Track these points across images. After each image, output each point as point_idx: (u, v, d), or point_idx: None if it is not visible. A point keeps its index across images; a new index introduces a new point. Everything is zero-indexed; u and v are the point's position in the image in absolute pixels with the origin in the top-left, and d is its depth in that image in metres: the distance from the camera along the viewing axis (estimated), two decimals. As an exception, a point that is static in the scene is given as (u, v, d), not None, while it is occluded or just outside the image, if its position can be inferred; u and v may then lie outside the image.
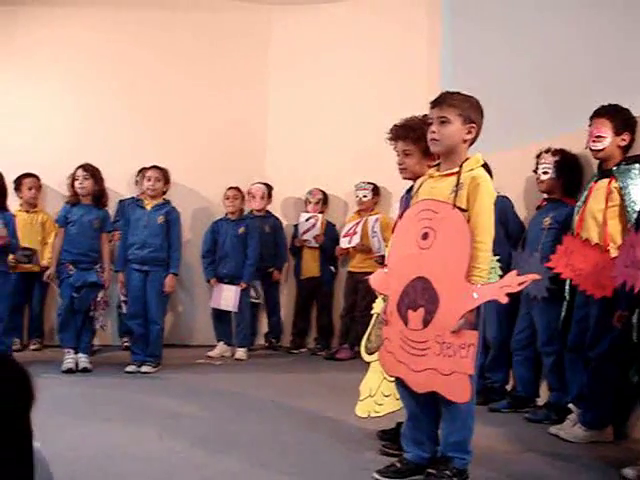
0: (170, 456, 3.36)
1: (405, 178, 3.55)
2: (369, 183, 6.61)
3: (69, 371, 5.27)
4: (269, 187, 6.83)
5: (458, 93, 3.09)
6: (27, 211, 6.38)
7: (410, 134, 3.42)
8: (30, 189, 6.44)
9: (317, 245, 6.73)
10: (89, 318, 5.48)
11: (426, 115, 3.40)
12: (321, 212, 6.82)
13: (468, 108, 3.05)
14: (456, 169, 2.99)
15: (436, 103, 3.08)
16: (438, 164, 3.15)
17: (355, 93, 6.94)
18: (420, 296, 2.90)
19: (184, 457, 3.35)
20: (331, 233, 6.81)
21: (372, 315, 6.23)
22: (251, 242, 6.37)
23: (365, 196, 6.60)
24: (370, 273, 6.13)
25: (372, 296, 6.23)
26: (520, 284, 2.75)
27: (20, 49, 6.81)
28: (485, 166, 4.58)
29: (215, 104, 7.03)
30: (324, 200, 6.88)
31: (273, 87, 7.13)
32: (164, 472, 3.15)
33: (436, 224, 2.92)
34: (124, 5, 6.96)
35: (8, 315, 5.37)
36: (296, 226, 6.84)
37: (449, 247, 2.86)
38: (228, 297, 6.26)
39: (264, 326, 6.95)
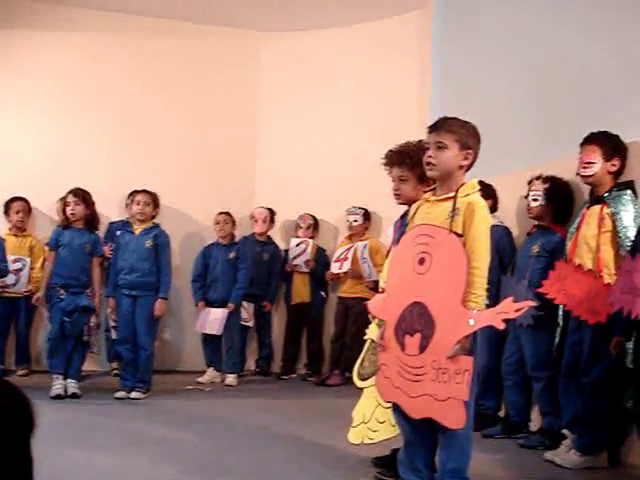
0: (163, 484, 3.32)
1: (400, 203, 3.56)
2: (360, 208, 6.63)
3: (58, 397, 5.20)
4: (272, 211, 6.82)
5: (456, 119, 3.10)
6: (16, 235, 6.33)
7: (406, 160, 3.43)
8: (18, 212, 6.39)
9: (308, 270, 6.73)
10: (80, 343, 5.43)
11: (421, 141, 3.43)
12: (311, 237, 6.83)
13: (465, 134, 3.06)
14: (452, 194, 3.00)
15: (433, 128, 3.08)
16: (433, 189, 3.16)
17: (345, 118, 6.98)
18: (417, 321, 2.89)
19: (177, 485, 3.31)
20: (322, 258, 6.81)
21: (364, 340, 6.24)
22: (241, 266, 6.36)
23: (356, 221, 6.61)
24: (361, 298, 6.32)
25: (363, 321, 6.24)
26: (517, 310, 2.75)
27: (6, 74, 6.80)
28: (489, 187, 4.64)
29: (204, 129, 7.05)
30: (314, 225, 6.89)
31: (263, 111, 7.17)
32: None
33: (432, 249, 2.92)
34: (111, 31, 6.98)
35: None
36: (286, 251, 6.83)
37: (445, 272, 2.86)
38: (214, 320, 6.23)
39: (254, 351, 6.91)
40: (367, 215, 6.68)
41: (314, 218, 6.89)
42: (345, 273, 6.50)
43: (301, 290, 6.79)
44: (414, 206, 3.20)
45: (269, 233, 6.92)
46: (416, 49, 6.79)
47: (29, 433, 1.25)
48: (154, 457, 3.73)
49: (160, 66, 7.05)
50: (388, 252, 3.66)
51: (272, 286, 6.82)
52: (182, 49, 7.10)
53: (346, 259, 6.49)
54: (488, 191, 4.84)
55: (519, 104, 5.23)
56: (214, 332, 6.24)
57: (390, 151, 3.56)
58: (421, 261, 2.94)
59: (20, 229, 6.42)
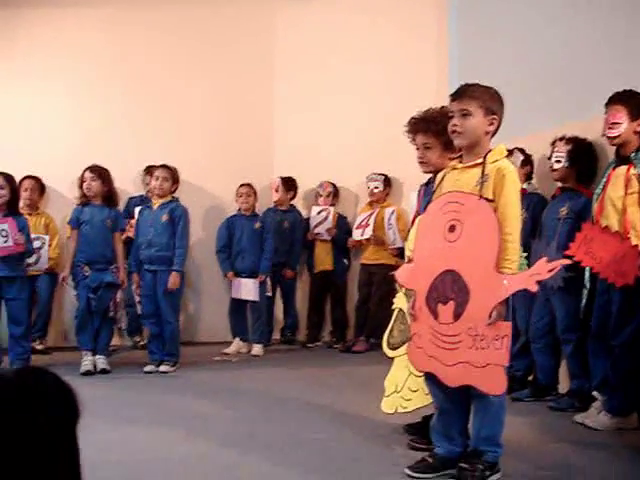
0: (200, 458, 3.35)
1: (426, 172, 3.53)
2: (380, 174, 6.58)
3: (88, 373, 5.26)
4: (288, 180, 6.78)
5: (478, 85, 3.06)
6: (30, 214, 6.28)
7: (431, 127, 3.39)
8: (26, 190, 6.35)
9: (329, 238, 6.71)
10: (107, 319, 5.47)
11: (444, 107, 3.38)
12: (332, 205, 6.79)
13: (489, 99, 3.02)
14: (480, 160, 2.97)
15: (456, 96, 3.04)
16: (460, 156, 3.13)
17: (363, 84, 6.89)
18: (450, 289, 2.88)
19: (214, 458, 3.33)
20: (343, 226, 6.78)
21: (389, 306, 6.24)
22: (267, 236, 6.37)
23: (376, 187, 6.57)
24: (384, 265, 6.31)
25: (386, 287, 6.30)
26: (550, 271, 2.73)
27: (21, 51, 6.78)
28: (526, 155, 4.59)
29: (221, 101, 6.99)
30: (335, 193, 6.86)
31: (279, 80, 7.09)
32: (195, 474, 3.14)
33: (463, 216, 2.90)
34: (128, 5, 6.91)
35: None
36: (308, 220, 6.81)
37: (477, 239, 2.85)
38: (248, 289, 6.25)
39: (279, 321, 6.93)
40: (388, 181, 6.64)
41: (334, 186, 6.85)
42: (367, 240, 6.48)
43: (323, 258, 6.78)
44: (440, 174, 3.17)
45: (292, 202, 6.87)
46: (434, 11, 6.67)
47: (75, 423, 1.25)
48: (187, 431, 3.76)
49: (176, 39, 6.98)
50: (413, 220, 3.64)
51: (294, 254, 6.81)
52: (197, 19, 7.01)
53: (367, 225, 6.47)
54: (526, 159, 4.81)
55: (540, 66, 5.14)
56: (251, 298, 6.26)
57: (413, 118, 3.51)
58: (451, 228, 2.93)
59: (31, 207, 6.40)
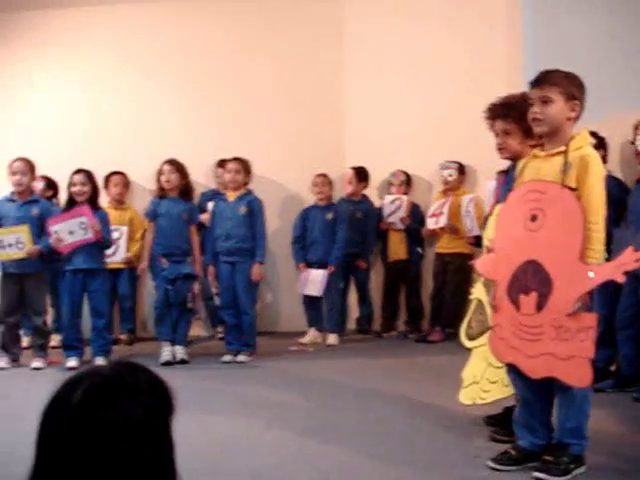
0: (281, 448, 3.38)
1: (505, 158, 3.45)
2: (454, 162, 6.49)
3: (167, 363, 5.35)
4: (360, 171, 6.76)
5: (558, 71, 2.98)
6: (115, 208, 6.49)
7: (511, 112, 3.31)
8: (116, 186, 6.56)
9: (403, 227, 6.65)
10: (185, 310, 5.57)
11: (525, 93, 3.31)
12: (405, 193, 6.73)
13: (570, 85, 2.94)
14: (563, 148, 2.90)
15: (536, 83, 2.97)
16: (541, 144, 3.06)
17: (435, 70, 6.78)
18: (532, 280, 2.82)
19: (295, 449, 3.36)
20: (416, 214, 6.71)
21: (464, 296, 6.14)
22: (339, 227, 6.35)
23: (450, 175, 6.48)
24: (459, 254, 6.23)
25: (462, 276, 6.23)
26: (637, 261, 2.65)
27: (100, 49, 6.90)
28: (600, 138, 4.45)
29: (292, 91, 6.99)
30: (407, 181, 6.79)
31: (350, 68, 7.03)
32: (278, 465, 3.17)
33: (545, 205, 2.83)
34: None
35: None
36: (380, 209, 6.77)
37: (560, 228, 2.78)
38: (315, 282, 6.26)
39: (354, 311, 6.93)
40: (462, 169, 6.54)
41: (407, 174, 6.79)
42: (441, 228, 6.40)
43: (397, 247, 6.73)
44: (522, 162, 3.10)
45: (364, 192, 6.84)
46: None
47: (170, 416, 1.27)
48: (267, 421, 3.80)
49: (246, 30, 7.00)
50: (491, 209, 3.57)
51: (367, 245, 6.79)
52: (266, 11, 7.02)
53: (442, 214, 6.38)
54: (599, 142, 4.67)
55: (622, 45, 4.98)
56: (315, 293, 6.27)
57: (493, 104, 3.43)
58: (533, 218, 2.86)
59: (119, 202, 6.59)
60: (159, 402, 1.26)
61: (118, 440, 1.17)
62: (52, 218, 5.39)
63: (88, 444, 1.16)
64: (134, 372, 1.26)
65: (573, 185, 2.79)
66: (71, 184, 5.46)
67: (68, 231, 5.28)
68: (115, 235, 6.08)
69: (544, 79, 2.95)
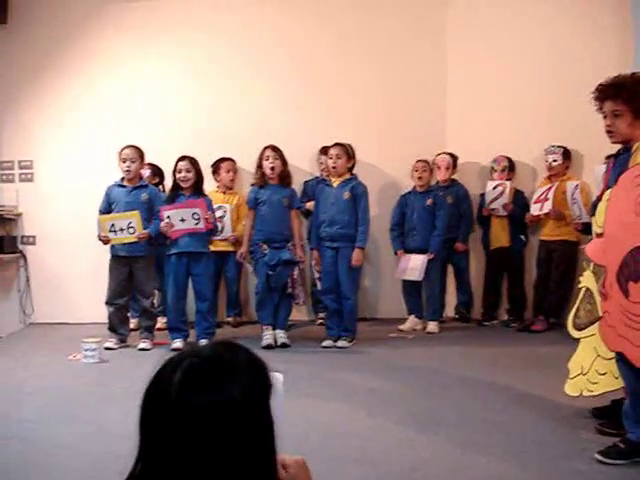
0: (382, 434, 3.38)
1: (614, 142, 3.31)
2: (559, 147, 6.29)
3: (269, 347, 5.44)
4: (454, 157, 6.67)
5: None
6: (224, 192, 6.61)
7: (621, 93, 3.16)
8: (228, 172, 6.66)
9: (506, 214, 6.50)
10: (286, 295, 5.64)
11: (635, 73, 3.18)
12: (508, 179, 6.57)
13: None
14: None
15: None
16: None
17: (537, 54, 6.59)
18: (642, 267, 2.71)
19: (396, 436, 3.35)
20: (520, 201, 6.54)
21: (569, 284, 5.98)
22: (439, 213, 6.27)
23: (555, 160, 6.29)
24: (564, 241, 6.06)
25: (567, 265, 6.06)
26: None
27: (210, 44, 7.00)
28: None
29: (393, 76, 6.94)
30: (510, 167, 6.62)
31: (451, 53, 6.92)
32: (380, 451, 3.17)
33: (656, 189, 2.71)
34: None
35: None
36: (482, 195, 6.65)
37: (672, 214, 2.66)
38: (414, 267, 6.19)
39: (453, 298, 6.85)
40: (567, 153, 6.33)
41: (509, 160, 6.63)
42: (546, 214, 6.22)
43: (500, 234, 6.59)
44: (636, 145, 2.97)
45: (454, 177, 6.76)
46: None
47: (268, 394, 1.28)
48: (367, 407, 3.81)
49: (347, 17, 6.97)
50: (601, 194, 3.44)
51: (462, 227, 6.69)
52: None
53: (547, 200, 6.20)
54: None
55: None
56: (414, 278, 6.21)
57: (601, 85, 3.29)
58: (643, 203, 2.74)
59: (228, 187, 6.69)
60: (257, 382, 1.27)
61: (217, 420, 1.19)
62: (167, 206, 5.56)
63: (187, 425, 1.18)
64: (233, 352, 1.28)
65: (688, 168, 2.66)
66: (176, 170, 5.61)
67: (180, 218, 5.45)
68: (219, 213, 6.18)
69: None
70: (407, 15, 6.95)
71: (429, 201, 6.29)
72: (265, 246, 5.63)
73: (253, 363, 1.29)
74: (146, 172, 6.19)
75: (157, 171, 6.48)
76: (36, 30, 6.93)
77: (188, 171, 5.58)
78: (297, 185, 6.34)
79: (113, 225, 5.48)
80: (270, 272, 5.57)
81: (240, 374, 1.24)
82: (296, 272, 5.63)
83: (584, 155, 6.38)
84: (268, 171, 5.69)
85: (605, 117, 3.30)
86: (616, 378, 3.11)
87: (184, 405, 1.19)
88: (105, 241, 5.52)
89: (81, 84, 6.95)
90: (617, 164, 3.27)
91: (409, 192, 6.44)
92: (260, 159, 5.74)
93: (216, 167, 6.65)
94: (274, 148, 5.70)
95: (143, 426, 1.24)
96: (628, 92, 3.12)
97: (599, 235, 3.09)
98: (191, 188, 5.60)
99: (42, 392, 4.26)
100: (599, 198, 3.40)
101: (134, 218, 5.47)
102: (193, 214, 5.45)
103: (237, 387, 1.22)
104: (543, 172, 6.51)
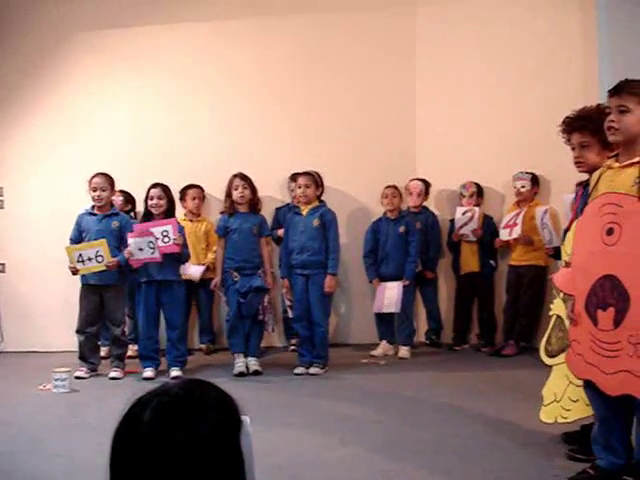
0: (356, 463, 3.39)
1: (582, 172, 3.40)
2: (527, 173, 6.39)
3: (241, 374, 5.44)
4: (427, 183, 6.74)
5: (638, 81, 2.93)
6: (191, 220, 6.61)
7: (588, 125, 3.26)
8: (194, 199, 6.66)
9: (475, 239, 6.57)
10: (257, 322, 5.64)
11: (600, 105, 3.27)
12: (477, 205, 6.65)
13: (649, 96, 2.88)
14: (637, 159, 2.84)
15: (615, 91, 2.92)
16: (616, 155, 3.00)
17: (506, 82, 6.70)
18: (609, 295, 2.76)
19: (370, 464, 3.35)
20: (489, 226, 6.62)
21: (538, 309, 6.05)
22: (412, 239, 6.30)
23: (523, 186, 6.39)
24: (533, 266, 6.15)
25: (536, 289, 6.13)
26: None
27: (174, 68, 7.01)
28: None
29: (363, 103, 6.98)
30: (479, 193, 6.70)
31: (421, 81, 7.00)
32: (351, 480, 3.18)
33: (621, 219, 2.77)
34: (271, 14, 7.05)
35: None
36: (452, 221, 6.72)
37: (638, 242, 2.71)
38: (391, 297, 6.18)
39: (423, 323, 6.88)
40: (535, 180, 6.44)
41: (478, 185, 6.71)
42: (515, 240, 6.30)
43: (469, 259, 6.65)
44: (596, 174, 3.05)
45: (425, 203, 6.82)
46: (580, 7, 6.43)
47: (238, 431, 1.29)
48: (340, 435, 3.81)
49: (316, 43, 7.02)
50: (570, 223, 3.51)
51: (430, 254, 6.73)
52: (336, 24, 7.02)
53: (515, 225, 6.28)
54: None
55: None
56: (392, 310, 6.21)
57: (569, 117, 3.39)
58: (609, 231, 2.81)
59: (195, 215, 6.70)
60: (227, 418, 1.28)
61: (187, 458, 1.20)
62: (137, 225, 5.56)
63: (158, 463, 1.19)
64: (202, 389, 1.30)
65: (648, 198, 2.72)
66: (148, 197, 5.61)
67: (138, 247, 5.42)
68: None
69: (623, 88, 2.91)
70: (377, 44, 7.01)
71: (402, 229, 6.32)
72: (236, 273, 5.64)
73: (223, 400, 1.31)
74: (118, 199, 6.17)
75: (129, 198, 6.47)
76: (5, 59, 6.93)
77: (160, 198, 5.58)
78: (268, 211, 6.38)
79: (81, 255, 5.43)
80: (241, 300, 5.57)
81: (209, 411, 1.25)
82: (266, 299, 5.64)
83: (552, 181, 6.49)
84: (239, 200, 5.71)
85: (573, 149, 3.38)
86: (588, 405, 3.15)
87: (154, 442, 1.20)
88: (74, 271, 5.48)
89: (51, 112, 6.94)
90: (585, 192, 3.34)
91: (380, 219, 6.48)
92: (229, 188, 5.76)
93: (183, 194, 6.63)
94: (243, 177, 5.71)
95: (114, 463, 1.25)
96: (594, 124, 3.21)
97: (567, 264, 3.14)
98: (162, 215, 5.59)
99: (12, 423, 4.20)
100: (568, 227, 3.46)
101: (101, 247, 5.42)
102: (149, 242, 5.40)
103: (207, 424, 1.23)
104: (512, 198, 6.60)
